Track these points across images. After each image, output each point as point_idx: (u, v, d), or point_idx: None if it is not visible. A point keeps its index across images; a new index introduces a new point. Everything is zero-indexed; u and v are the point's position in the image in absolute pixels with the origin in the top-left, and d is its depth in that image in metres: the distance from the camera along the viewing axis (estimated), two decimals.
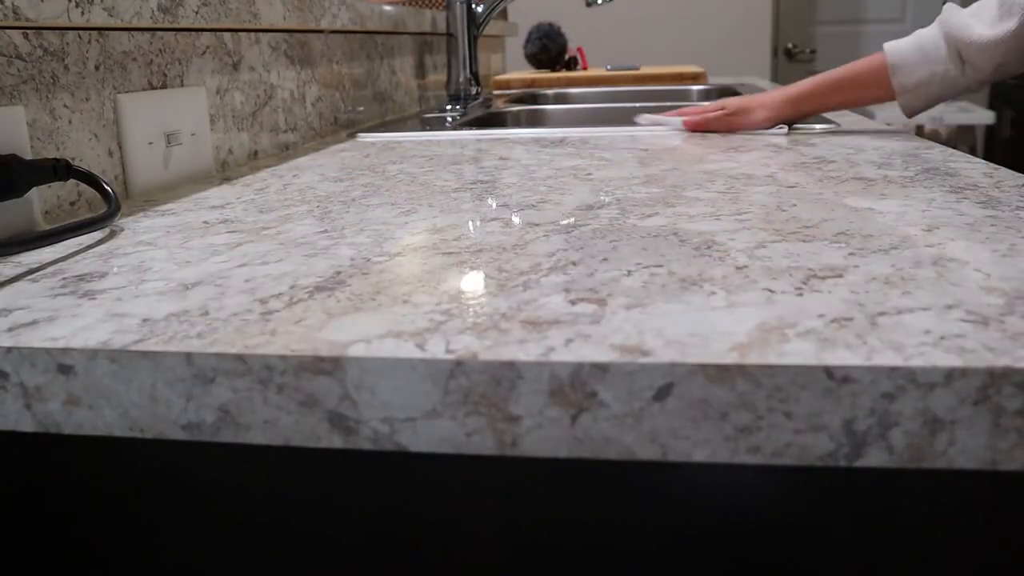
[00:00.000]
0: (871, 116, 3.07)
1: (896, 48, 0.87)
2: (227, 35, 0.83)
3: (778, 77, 3.66)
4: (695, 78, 1.90)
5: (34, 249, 0.50)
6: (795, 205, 0.55)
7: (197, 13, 0.75)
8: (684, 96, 1.74)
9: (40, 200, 0.58)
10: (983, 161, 0.70)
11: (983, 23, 0.81)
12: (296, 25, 0.95)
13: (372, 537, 0.36)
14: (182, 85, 0.75)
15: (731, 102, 0.98)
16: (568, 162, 0.78)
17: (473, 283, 0.40)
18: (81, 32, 0.62)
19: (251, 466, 0.36)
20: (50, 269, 0.46)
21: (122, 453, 0.37)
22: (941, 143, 1.09)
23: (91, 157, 0.64)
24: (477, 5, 1.41)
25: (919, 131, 3.05)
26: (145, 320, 0.37)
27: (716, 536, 0.34)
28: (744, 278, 0.39)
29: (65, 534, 0.39)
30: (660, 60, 3.43)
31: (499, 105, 1.48)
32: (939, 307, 0.34)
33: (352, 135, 1.05)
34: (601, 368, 0.30)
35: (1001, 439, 0.29)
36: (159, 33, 0.72)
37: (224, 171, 0.82)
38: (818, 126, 0.95)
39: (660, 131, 0.99)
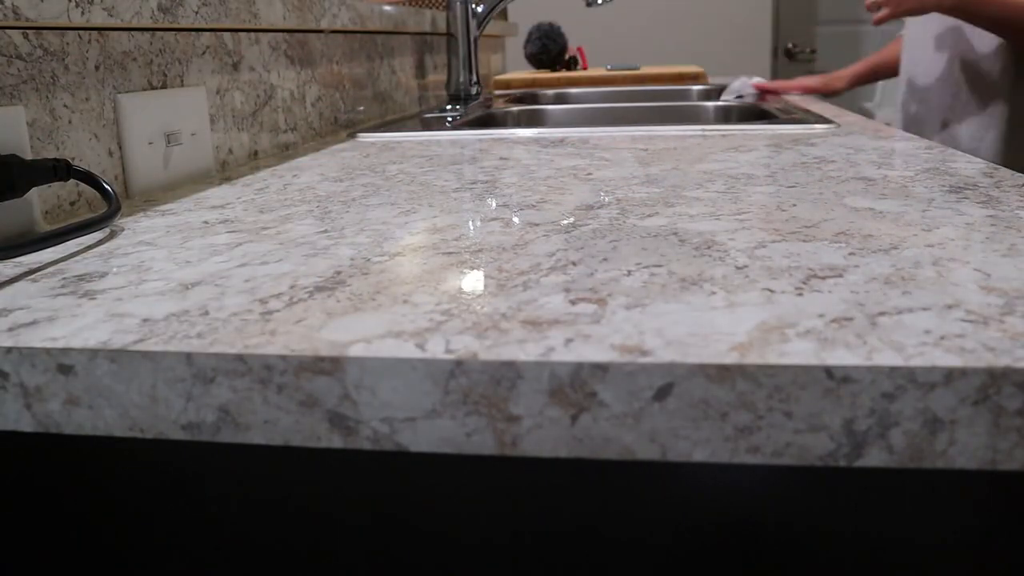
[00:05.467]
0: (871, 116, 3.07)
1: None
2: (227, 35, 0.83)
3: (778, 77, 3.66)
4: (695, 78, 1.90)
5: (35, 251, 0.50)
6: (795, 205, 0.55)
7: (197, 13, 0.75)
8: (684, 96, 1.75)
9: (40, 200, 0.58)
10: (983, 161, 0.70)
11: None
12: (296, 25, 0.95)
13: (372, 537, 0.36)
14: (182, 85, 0.75)
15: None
16: (568, 162, 0.78)
17: (473, 283, 0.40)
18: (81, 32, 0.62)
19: (251, 466, 0.36)
20: (50, 269, 0.46)
21: (122, 453, 0.37)
22: None
23: (91, 157, 0.64)
24: (477, 5, 1.41)
25: None
26: (145, 320, 0.37)
27: (716, 536, 0.34)
28: (744, 278, 0.39)
29: (65, 534, 0.39)
30: (660, 60, 3.43)
31: (499, 105, 1.48)
32: (939, 307, 0.34)
33: (352, 135, 1.05)
34: (601, 368, 0.30)
35: (1001, 439, 0.29)
36: (159, 33, 0.72)
37: (224, 171, 0.82)
38: (818, 126, 0.96)
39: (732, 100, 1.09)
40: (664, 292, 0.37)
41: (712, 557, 0.34)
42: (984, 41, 1.27)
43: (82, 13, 0.60)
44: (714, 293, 0.37)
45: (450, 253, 0.46)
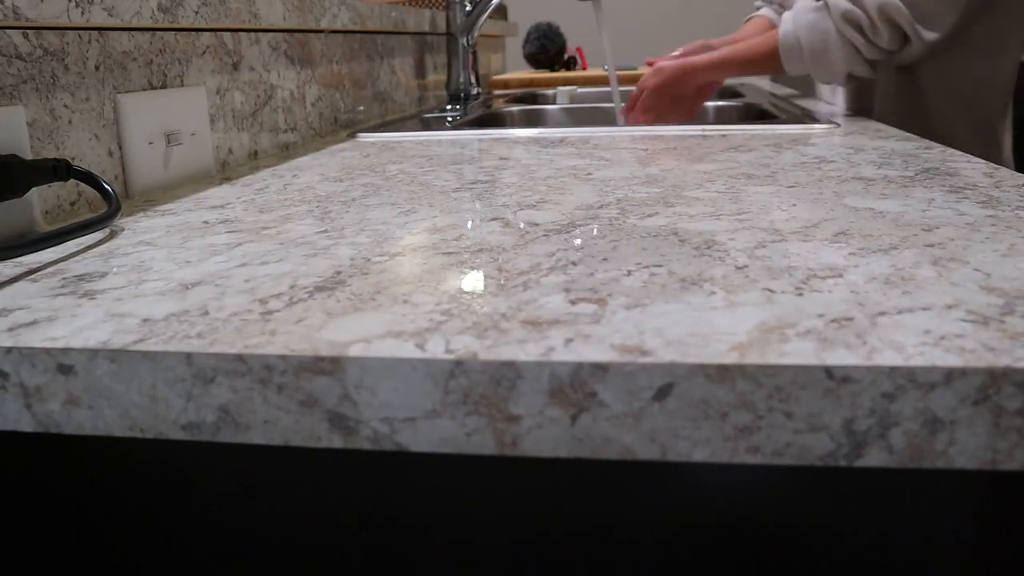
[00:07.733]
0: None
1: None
2: (227, 35, 0.83)
3: (778, 77, 3.65)
4: None
5: (35, 251, 0.50)
6: (795, 205, 0.55)
7: (197, 13, 0.75)
8: None
9: (40, 200, 0.58)
10: (983, 161, 0.70)
11: None
12: (296, 25, 0.95)
13: (372, 537, 0.36)
14: (182, 85, 0.75)
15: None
16: (568, 162, 0.78)
17: (473, 283, 0.40)
18: (81, 32, 0.62)
19: (251, 466, 0.36)
20: (50, 269, 0.46)
21: (122, 453, 0.37)
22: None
23: (91, 157, 0.64)
24: (475, 5, 1.41)
25: None
26: (145, 320, 0.37)
27: (716, 536, 0.34)
28: (744, 278, 0.39)
29: (65, 534, 0.39)
30: None
31: (499, 105, 1.48)
32: (939, 307, 0.34)
33: (352, 135, 1.05)
34: (601, 368, 0.30)
35: (1001, 439, 0.29)
36: (159, 33, 0.72)
37: (224, 171, 0.82)
38: (818, 126, 0.96)
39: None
40: (664, 292, 0.37)
41: (712, 557, 0.34)
42: None
43: (82, 13, 0.60)
44: (714, 293, 0.37)
45: (450, 253, 0.46)
